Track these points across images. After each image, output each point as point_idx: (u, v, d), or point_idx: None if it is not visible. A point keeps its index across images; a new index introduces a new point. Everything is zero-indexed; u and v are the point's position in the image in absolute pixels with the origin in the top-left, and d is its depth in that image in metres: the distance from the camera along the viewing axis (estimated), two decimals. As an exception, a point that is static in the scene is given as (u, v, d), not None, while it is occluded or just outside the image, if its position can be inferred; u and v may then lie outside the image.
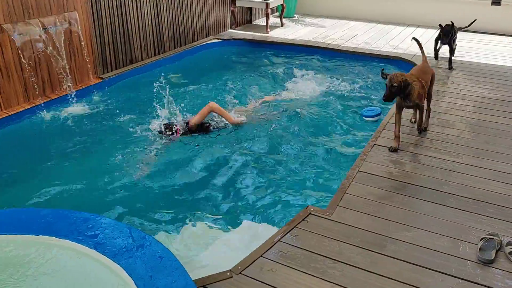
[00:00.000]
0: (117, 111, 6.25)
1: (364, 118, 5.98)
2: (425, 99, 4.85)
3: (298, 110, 6.05)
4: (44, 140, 5.57)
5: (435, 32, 7.94)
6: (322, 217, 3.52)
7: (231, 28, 10.10)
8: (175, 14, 8.34)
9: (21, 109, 5.87)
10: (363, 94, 6.85)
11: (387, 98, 4.40)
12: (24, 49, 5.77)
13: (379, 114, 5.91)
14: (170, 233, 3.78)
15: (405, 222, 3.51)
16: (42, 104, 6.02)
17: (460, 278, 2.97)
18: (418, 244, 3.28)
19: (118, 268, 2.73)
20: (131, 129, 5.60)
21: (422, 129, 4.94)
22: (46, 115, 5.97)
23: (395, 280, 2.95)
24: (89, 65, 6.77)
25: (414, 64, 6.89)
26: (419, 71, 4.85)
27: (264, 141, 5.33)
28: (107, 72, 7.19)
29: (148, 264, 2.73)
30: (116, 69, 7.34)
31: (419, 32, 9.75)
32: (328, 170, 4.66)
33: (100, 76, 7.02)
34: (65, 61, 6.30)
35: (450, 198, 3.81)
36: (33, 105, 5.98)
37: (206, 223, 3.90)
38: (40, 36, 5.87)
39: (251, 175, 4.64)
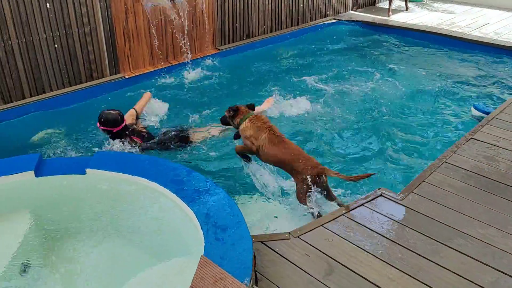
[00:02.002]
0: (228, 82, 6.75)
1: (473, 110, 5.63)
2: None
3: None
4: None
5: None
6: (392, 200, 3.53)
7: (352, 10, 9.98)
8: (296, -7, 8.53)
9: (146, 71, 6.64)
10: (477, 88, 6.41)
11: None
12: (153, 18, 6.48)
13: (488, 114, 5.53)
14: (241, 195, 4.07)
15: (482, 219, 3.37)
16: (164, 69, 6.74)
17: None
18: (489, 242, 3.15)
19: (190, 212, 3.11)
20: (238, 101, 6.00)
21: None
22: (167, 78, 6.67)
23: (456, 273, 2.90)
24: (208, 36, 7.33)
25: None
26: None
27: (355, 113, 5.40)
28: (224, 44, 7.70)
29: (215, 214, 3.07)
30: (233, 42, 7.82)
31: None
32: (412, 156, 4.58)
33: (218, 47, 7.56)
34: (187, 31, 6.92)
35: (542, 203, 3.53)
36: (156, 68, 6.72)
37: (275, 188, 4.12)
38: (168, 6, 6.53)
39: (328, 143, 4.78)
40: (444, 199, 3.57)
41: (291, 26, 8.76)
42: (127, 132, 4.59)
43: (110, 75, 6.33)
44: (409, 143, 4.92)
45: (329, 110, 5.70)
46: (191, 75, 6.88)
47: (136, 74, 6.53)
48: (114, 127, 4.50)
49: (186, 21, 6.84)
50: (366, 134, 5.17)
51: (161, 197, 3.37)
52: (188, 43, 7.00)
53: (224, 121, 4.36)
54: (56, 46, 5.66)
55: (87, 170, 3.61)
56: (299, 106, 5.66)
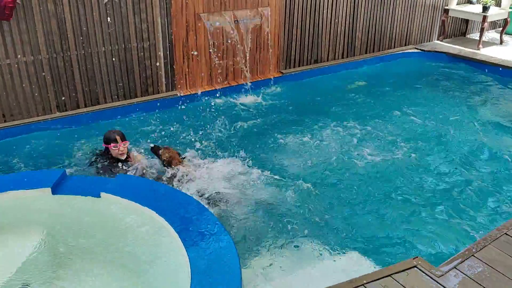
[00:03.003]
0: (286, 108, 6.41)
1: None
2: None
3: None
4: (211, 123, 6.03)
5: None
6: (427, 275, 2.96)
7: (437, 39, 9.19)
8: (373, 18, 8.00)
9: (203, 90, 6.52)
10: None
11: None
12: (215, 37, 6.36)
13: None
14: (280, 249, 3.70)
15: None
16: (222, 89, 6.58)
17: None
18: None
19: (185, 257, 2.83)
20: (296, 131, 5.63)
21: None
22: (223, 99, 6.51)
23: None
24: (272, 59, 7.08)
25: None
26: None
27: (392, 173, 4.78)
28: (289, 68, 7.39)
29: (210, 265, 2.75)
30: (299, 66, 7.49)
31: None
32: (463, 221, 3.89)
33: (281, 70, 7.27)
34: (249, 53, 6.72)
35: None
36: (213, 88, 6.59)
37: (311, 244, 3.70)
38: (231, 27, 6.38)
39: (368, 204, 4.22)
40: (496, 284, 2.93)
41: (365, 53, 8.23)
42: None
43: (166, 91, 6.30)
44: (465, 201, 4.22)
45: (382, 153, 5.14)
46: (249, 98, 6.66)
47: (192, 93, 6.43)
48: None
49: (249, 42, 6.65)
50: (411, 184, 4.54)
51: (164, 233, 3.14)
52: (249, 65, 6.79)
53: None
54: (114, 59, 5.73)
55: (102, 194, 3.50)
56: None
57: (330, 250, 3.58)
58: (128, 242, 3.21)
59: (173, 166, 4.40)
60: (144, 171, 4.41)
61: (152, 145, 4.64)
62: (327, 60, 7.79)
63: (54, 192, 3.54)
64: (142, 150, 4.86)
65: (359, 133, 5.62)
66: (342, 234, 3.80)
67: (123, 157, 4.36)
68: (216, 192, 4.22)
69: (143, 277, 2.95)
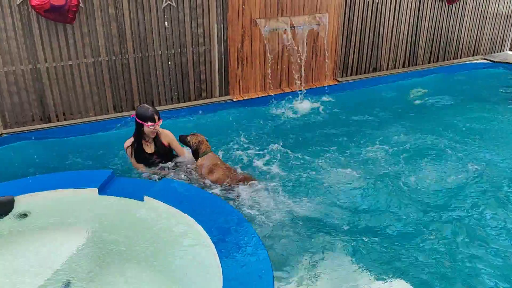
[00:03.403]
0: (340, 118, 6.21)
1: None
2: None
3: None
4: (261, 127, 5.98)
5: None
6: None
7: (510, 50, 8.59)
8: (439, 25, 7.60)
9: (256, 96, 6.49)
10: None
11: None
12: (270, 43, 6.30)
13: None
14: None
15: None
16: (275, 96, 6.51)
17: None
18: None
19: (219, 269, 2.78)
20: (350, 143, 5.41)
21: None
22: (276, 106, 6.43)
23: None
24: (328, 67, 6.91)
25: None
26: None
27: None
28: (346, 76, 7.19)
29: (243, 280, 2.68)
30: (356, 74, 7.27)
31: None
32: None
33: (337, 78, 7.09)
34: (305, 60, 6.60)
35: None
36: (267, 94, 6.53)
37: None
38: (286, 33, 6.30)
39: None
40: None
41: (429, 62, 7.84)
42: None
43: (219, 96, 6.32)
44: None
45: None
46: (302, 105, 6.52)
47: (245, 98, 6.41)
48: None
49: (306, 49, 6.53)
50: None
51: (200, 242, 3.11)
52: (304, 72, 6.67)
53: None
54: (169, 63, 5.83)
55: (145, 198, 3.53)
56: None
57: (372, 276, 3.39)
58: (164, 247, 3.21)
59: (200, 151, 4.43)
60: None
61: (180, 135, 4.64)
62: (387, 69, 7.51)
63: (100, 192, 3.62)
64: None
65: (415, 149, 5.27)
66: (386, 257, 3.58)
67: (154, 135, 4.36)
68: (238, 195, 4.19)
69: (176, 284, 2.93)
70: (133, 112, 4.37)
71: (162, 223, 3.41)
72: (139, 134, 4.32)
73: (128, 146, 4.39)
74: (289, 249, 3.60)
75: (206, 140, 4.60)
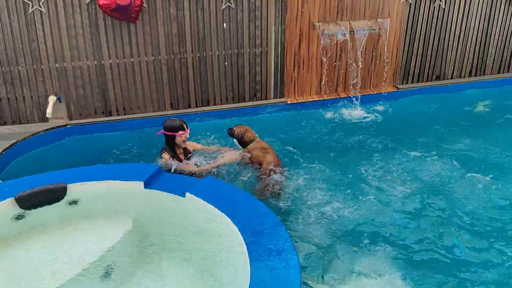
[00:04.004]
0: (396, 127, 6.00)
1: None
2: None
3: None
4: (312, 133, 5.92)
5: None
6: None
7: None
8: (511, 33, 7.14)
9: (310, 100, 6.44)
10: None
11: None
12: (328, 47, 6.23)
13: None
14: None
15: None
16: (330, 100, 6.42)
17: None
18: None
19: (247, 271, 2.80)
20: (404, 154, 5.21)
21: None
22: (330, 111, 6.35)
23: None
24: (387, 72, 6.71)
25: None
26: None
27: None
28: (406, 83, 6.94)
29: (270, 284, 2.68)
30: (417, 82, 7.00)
31: None
32: None
33: (397, 85, 6.86)
34: (362, 65, 6.45)
35: None
36: (322, 98, 6.46)
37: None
38: (345, 37, 6.18)
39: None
40: None
41: (499, 72, 7.38)
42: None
43: (273, 98, 6.34)
44: None
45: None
46: (357, 111, 6.40)
47: (299, 101, 6.39)
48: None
49: (364, 54, 6.38)
50: None
51: (233, 242, 3.14)
52: (362, 77, 6.52)
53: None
54: (226, 63, 5.93)
55: (187, 194, 3.63)
56: None
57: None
58: (199, 244, 3.27)
59: (247, 139, 4.69)
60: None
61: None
62: (451, 78, 7.15)
63: (146, 186, 3.76)
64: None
65: (476, 167, 4.89)
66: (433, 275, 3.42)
67: (185, 145, 4.45)
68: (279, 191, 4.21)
69: (205, 280, 2.99)
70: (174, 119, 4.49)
71: (199, 220, 3.48)
72: (172, 147, 4.43)
73: (169, 158, 4.42)
74: (321, 255, 3.54)
75: (250, 129, 4.85)
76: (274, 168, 4.56)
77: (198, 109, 6.05)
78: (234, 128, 4.87)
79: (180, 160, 4.48)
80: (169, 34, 5.59)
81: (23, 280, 3.17)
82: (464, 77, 7.19)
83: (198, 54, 5.80)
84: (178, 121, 4.39)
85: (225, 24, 5.73)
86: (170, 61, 5.74)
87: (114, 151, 5.19)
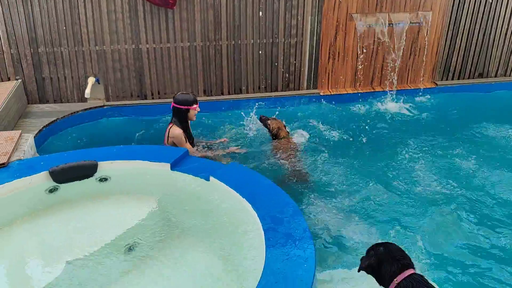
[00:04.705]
0: (432, 125, 5.84)
1: None
2: None
3: None
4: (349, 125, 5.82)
5: None
6: None
7: None
8: None
9: (344, 92, 6.37)
10: None
11: None
12: (364, 39, 6.13)
13: None
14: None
15: None
16: (365, 94, 6.33)
17: None
18: None
19: (262, 256, 2.84)
20: (439, 153, 5.07)
21: None
22: (365, 105, 6.26)
23: None
24: (426, 68, 6.53)
25: None
26: None
27: None
28: (446, 79, 6.74)
29: (284, 271, 2.71)
30: (458, 79, 6.78)
31: None
32: None
33: (436, 81, 6.67)
34: (400, 59, 6.30)
35: None
36: (356, 91, 6.38)
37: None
38: (383, 30, 6.06)
39: None
40: None
41: (547, 72, 7.03)
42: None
43: (306, 88, 6.32)
44: None
45: None
46: (392, 106, 6.27)
47: (332, 93, 6.33)
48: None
49: (403, 48, 6.23)
50: None
51: (252, 228, 3.18)
52: (399, 72, 6.38)
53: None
54: (260, 52, 5.95)
55: (211, 178, 3.70)
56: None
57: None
58: (219, 227, 3.34)
59: (280, 136, 4.85)
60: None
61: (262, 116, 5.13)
62: (495, 76, 6.88)
63: (172, 168, 3.86)
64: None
65: None
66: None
67: (195, 119, 4.54)
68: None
69: (221, 263, 3.05)
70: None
71: (221, 204, 3.55)
72: (182, 121, 4.48)
73: (182, 133, 4.45)
74: (340, 247, 3.54)
75: (284, 126, 5.00)
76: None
77: (231, 96, 6.11)
78: (269, 121, 5.01)
79: (190, 136, 4.57)
80: (205, 21, 5.67)
81: (53, 249, 3.35)
82: (510, 75, 6.90)
83: (233, 42, 5.84)
84: (191, 95, 4.49)
85: (260, 13, 5.74)
86: (205, 48, 5.82)
87: (146, 133, 5.34)
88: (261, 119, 5.14)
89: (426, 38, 6.29)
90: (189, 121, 4.56)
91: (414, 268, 2.23)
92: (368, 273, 2.36)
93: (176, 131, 4.43)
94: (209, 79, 6.00)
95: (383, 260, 2.21)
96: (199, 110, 4.53)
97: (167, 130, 4.49)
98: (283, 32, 5.91)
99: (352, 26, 6.04)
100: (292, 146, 4.86)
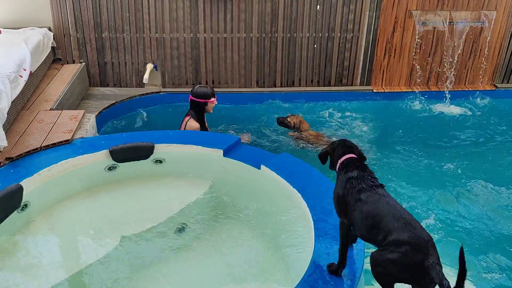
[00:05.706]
0: (496, 128, 5.61)
1: None
2: None
3: None
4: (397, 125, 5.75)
5: None
6: None
7: None
8: None
9: (398, 90, 6.26)
10: None
11: None
12: (423, 37, 5.98)
13: None
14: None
15: None
16: (420, 93, 6.19)
17: None
18: None
19: (311, 245, 2.88)
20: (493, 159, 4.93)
21: None
22: (419, 104, 6.12)
23: None
24: (486, 70, 6.30)
25: None
26: None
27: None
28: (507, 82, 6.47)
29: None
30: (519, 82, 6.51)
31: None
32: None
33: (496, 84, 6.43)
34: (459, 59, 6.11)
35: None
36: (410, 90, 6.25)
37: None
38: (444, 28, 5.89)
39: None
40: None
41: None
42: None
43: (360, 85, 6.26)
44: None
45: None
46: (448, 107, 6.09)
47: (386, 91, 6.24)
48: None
49: (463, 47, 6.04)
50: None
51: (301, 216, 3.23)
52: (457, 72, 6.19)
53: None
54: (315, 46, 5.95)
55: (262, 167, 3.77)
56: None
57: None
58: (268, 214, 3.42)
59: (302, 130, 5.04)
60: None
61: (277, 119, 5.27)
62: (561, 81, 6.55)
63: (225, 154, 3.96)
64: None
65: None
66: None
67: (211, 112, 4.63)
68: None
69: (269, 251, 3.11)
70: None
71: (271, 192, 3.61)
72: (200, 114, 4.58)
73: (199, 127, 4.56)
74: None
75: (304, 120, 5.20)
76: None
77: (283, 89, 6.15)
78: (288, 119, 5.15)
79: (205, 129, 4.68)
80: (262, 12, 5.72)
81: (109, 224, 3.53)
82: None
83: (289, 35, 5.87)
84: (209, 88, 4.59)
85: (318, 6, 5.73)
86: (261, 40, 5.88)
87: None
88: (278, 121, 5.23)
89: (488, 39, 6.06)
90: (205, 114, 4.68)
91: (356, 155, 2.66)
92: (324, 161, 2.80)
93: (193, 124, 4.55)
94: (263, 71, 6.06)
95: (335, 148, 2.71)
96: (216, 103, 4.63)
97: (184, 122, 4.60)
98: (340, 27, 5.87)
99: (410, 23, 5.91)
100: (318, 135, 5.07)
